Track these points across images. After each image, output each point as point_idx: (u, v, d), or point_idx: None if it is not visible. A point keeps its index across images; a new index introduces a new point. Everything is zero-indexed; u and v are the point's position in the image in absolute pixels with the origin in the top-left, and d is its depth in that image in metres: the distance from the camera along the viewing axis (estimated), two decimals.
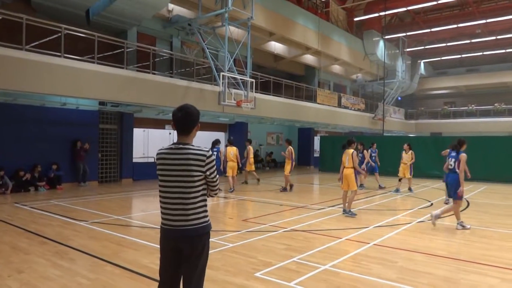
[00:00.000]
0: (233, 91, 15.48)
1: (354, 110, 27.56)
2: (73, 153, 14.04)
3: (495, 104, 32.18)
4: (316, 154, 26.75)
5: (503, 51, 32.85)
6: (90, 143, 14.30)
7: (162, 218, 2.83)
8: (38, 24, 11.27)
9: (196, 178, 2.73)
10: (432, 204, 10.87)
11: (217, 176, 2.87)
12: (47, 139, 13.38)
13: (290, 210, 9.58)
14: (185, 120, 2.80)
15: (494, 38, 30.34)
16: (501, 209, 10.21)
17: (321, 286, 4.45)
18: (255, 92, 16.49)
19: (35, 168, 12.75)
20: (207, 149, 2.79)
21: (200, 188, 2.77)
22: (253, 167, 15.39)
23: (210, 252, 5.75)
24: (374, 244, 6.35)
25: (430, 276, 4.85)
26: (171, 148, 2.80)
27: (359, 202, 11.04)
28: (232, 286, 4.44)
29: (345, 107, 26.51)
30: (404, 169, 13.15)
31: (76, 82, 11.75)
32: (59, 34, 11.66)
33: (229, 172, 13.34)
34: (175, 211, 2.75)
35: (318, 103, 23.41)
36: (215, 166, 2.83)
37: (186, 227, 2.74)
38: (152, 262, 5.19)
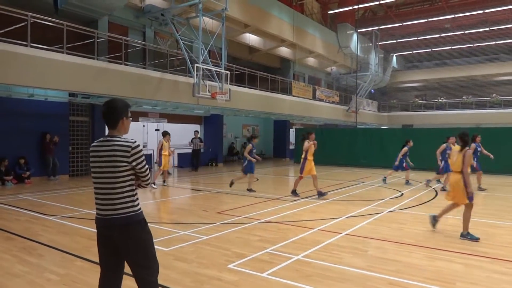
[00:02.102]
0: (208, 83, 15.36)
1: (329, 102, 27.89)
2: (42, 146, 13.60)
3: (463, 97, 33.33)
4: (292, 146, 26.98)
5: (471, 45, 33.95)
6: (59, 136, 13.88)
7: (96, 208, 2.93)
8: (2, 11, 10.76)
9: (121, 169, 2.80)
10: (402, 194, 11.20)
11: (146, 167, 2.92)
12: (14, 132, 12.90)
13: (264, 202, 9.65)
14: (108, 115, 2.89)
15: (462, 32, 31.31)
16: None
17: (293, 275, 4.53)
18: (230, 84, 16.40)
19: (1, 163, 12.28)
20: (133, 141, 2.86)
21: (127, 178, 2.83)
22: (167, 166, 12.66)
23: (183, 245, 5.78)
24: (345, 234, 6.50)
25: (398, 263, 5.02)
26: (100, 141, 2.89)
27: (334, 193, 11.25)
28: (205, 278, 4.45)
29: (320, 100, 26.79)
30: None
31: (44, 72, 11.34)
32: (26, 22, 11.19)
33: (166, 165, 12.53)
34: (104, 201, 2.84)
35: (293, 96, 23.55)
36: (143, 158, 2.88)
37: (113, 216, 2.82)
38: None
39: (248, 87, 19.71)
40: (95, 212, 2.92)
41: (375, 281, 4.39)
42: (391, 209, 8.83)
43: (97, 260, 4.97)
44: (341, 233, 6.52)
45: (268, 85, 21.59)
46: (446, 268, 4.87)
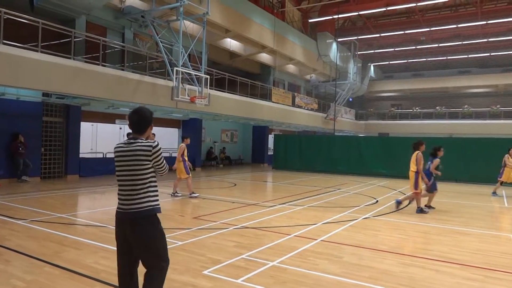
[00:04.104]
0: (187, 86, 15.23)
1: (308, 109, 28.18)
2: (11, 147, 13.13)
3: (437, 108, 34.35)
4: (270, 152, 27.07)
5: (444, 58, 35.13)
6: (31, 137, 13.43)
7: (118, 203, 3.26)
8: None
9: (143, 166, 3.19)
10: (377, 201, 11.38)
11: (164, 163, 3.32)
12: None
13: (241, 208, 9.61)
14: (140, 123, 3.28)
15: (436, 45, 32.37)
16: (441, 206, 10.89)
17: (268, 282, 4.51)
18: (210, 88, 16.33)
19: None
20: (153, 141, 3.26)
21: (149, 175, 3.22)
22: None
23: None
24: (321, 240, 6.53)
25: (372, 269, 5.08)
26: (125, 143, 3.28)
27: (311, 200, 11.32)
28: (178, 284, 4.37)
29: (299, 107, 27.03)
30: (510, 173, 12.85)
31: (16, 70, 10.98)
32: None
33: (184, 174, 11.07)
34: (126, 196, 3.19)
35: (273, 102, 23.67)
36: (162, 155, 3.29)
37: (132, 210, 3.14)
38: (95, 262, 4.98)
39: (227, 92, 19.68)
40: (117, 207, 3.24)
41: None
42: (366, 215, 8.95)
43: (68, 266, 4.88)
44: (316, 240, 6.55)
45: (248, 91, 21.62)
46: (419, 274, 4.96)
